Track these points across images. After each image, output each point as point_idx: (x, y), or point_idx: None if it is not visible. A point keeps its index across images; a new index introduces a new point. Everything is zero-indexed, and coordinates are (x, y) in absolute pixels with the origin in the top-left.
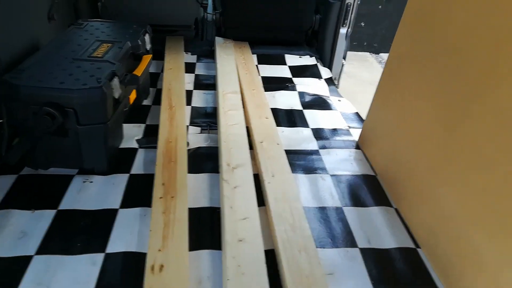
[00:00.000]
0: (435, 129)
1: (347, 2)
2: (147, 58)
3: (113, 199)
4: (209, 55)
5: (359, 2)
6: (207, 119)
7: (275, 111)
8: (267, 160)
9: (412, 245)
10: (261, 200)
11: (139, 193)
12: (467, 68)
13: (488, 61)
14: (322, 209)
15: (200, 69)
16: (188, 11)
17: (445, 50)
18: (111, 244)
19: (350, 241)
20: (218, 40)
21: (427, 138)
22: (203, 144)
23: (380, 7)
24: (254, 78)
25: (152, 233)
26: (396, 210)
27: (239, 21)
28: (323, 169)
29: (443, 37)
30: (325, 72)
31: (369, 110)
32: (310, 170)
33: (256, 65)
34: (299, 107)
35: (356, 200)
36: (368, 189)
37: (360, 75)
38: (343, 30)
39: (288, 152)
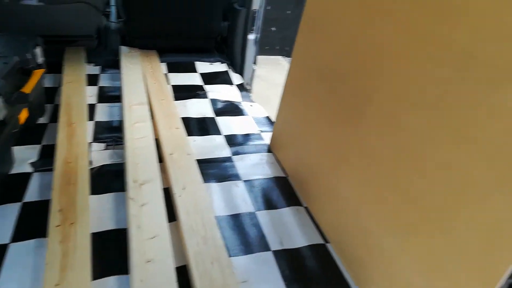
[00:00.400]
0: (333, 130)
1: (253, 9)
2: (38, 73)
3: (2, 234)
4: (114, 65)
5: (269, 7)
6: (112, 133)
7: (186, 120)
8: (178, 172)
9: (321, 241)
10: (173, 215)
11: (34, 223)
12: (355, 73)
13: (373, 65)
14: (236, 217)
15: (104, 81)
16: (89, 20)
17: (336, 55)
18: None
19: (263, 245)
20: (123, 49)
21: (327, 139)
22: (108, 161)
23: (289, 12)
24: (163, 87)
25: (48, 266)
26: (306, 208)
27: (144, 30)
28: (236, 176)
29: (334, 43)
30: (236, 78)
31: (277, 113)
32: (223, 178)
33: (166, 74)
34: (212, 115)
35: (269, 203)
36: (280, 191)
37: (273, 78)
38: (251, 36)
39: (201, 162)
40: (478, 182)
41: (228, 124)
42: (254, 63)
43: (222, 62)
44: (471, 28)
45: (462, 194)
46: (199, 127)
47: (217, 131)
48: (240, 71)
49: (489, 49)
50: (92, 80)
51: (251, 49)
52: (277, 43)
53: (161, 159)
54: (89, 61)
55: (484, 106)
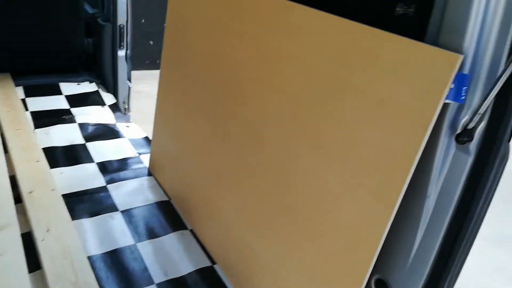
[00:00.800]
0: (208, 148)
1: (119, 24)
2: None
3: None
4: None
5: (143, 21)
6: None
7: (50, 151)
8: (40, 212)
9: (208, 263)
10: (37, 262)
11: None
12: (219, 90)
13: (234, 82)
14: (114, 253)
15: None
16: None
17: (201, 73)
18: None
19: (146, 280)
20: None
21: (203, 157)
22: None
23: (165, 25)
24: (20, 115)
25: None
26: (192, 231)
27: None
28: (113, 207)
29: (198, 60)
30: (108, 98)
31: (153, 133)
32: (96, 211)
33: (23, 99)
34: (81, 141)
35: (151, 232)
36: (163, 217)
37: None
38: (121, 53)
39: (69, 196)
40: (332, 187)
41: (101, 150)
42: (129, 80)
43: (91, 82)
44: (308, 44)
45: (321, 201)
46: (66, 156)
47: (88, 159)
48: (113, 90)
49: (324, 66)
50: None
51: (122, 66)
52: (157, 56)
53: (19, 199)
54: None
55: (326, 116)
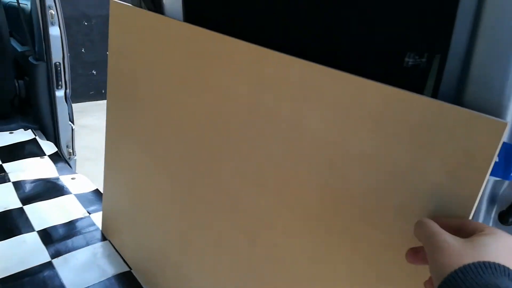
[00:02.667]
0: (172, 205)
1: (55, 62)
2: None
3: None
4: None
5: (83, 50)
6: None
7: None
8: None
9: None
10: None
11: None
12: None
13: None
14: None
15: None
16: None
17: (151, 121)
18: None
19: None
20: None
21: (167, 215)
22: None
23: (107, 53)
24: None
25: None
26: None
27: None
28: None
29: (152, 103)
30: (48, 147)
31: (104, 187)
32: None
33: None
34: (17, 205)
35: None
36: None
37: None
38: (59, 93)
39: (5, 282)
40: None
41: (42, 213)
42: (71, 121)
43: (26, 129)
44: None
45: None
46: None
47: (27, 227)
48: (54, 135)
49: (325, 131)
50: None
51: (62, 107)
52: (102, 86)
53: None
54: None
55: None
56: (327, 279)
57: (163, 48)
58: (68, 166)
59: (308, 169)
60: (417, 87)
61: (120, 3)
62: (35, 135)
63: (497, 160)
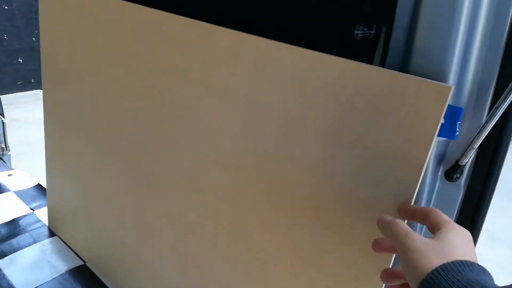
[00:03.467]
0: (125, 191)
1: None
2: None
3: None
4: None
5: (5, 36)
6: None
7: None
8: None
9: None
10: None
11: None
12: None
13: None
14: None
15: None
16: None
17: (93, 104)
18: None
19: None
20: None
21: (121, 202)
22: None
23: (34, 39)
24: None
25: None
26: None
27: None
28: None
29: (93, 85)
30: None
31: (47, 180)
32: None
33: None
34: None
35: None
36: (80, 287)
37: (39, 117)
38: None
39: None
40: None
41: None
42: (1, 114)
43: None
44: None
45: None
46: None
47: None
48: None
49: (280, 103)
50: None
51: None
52: (30, 75)
53: None
54: None
55: (287, 159)
56: (291, 248)
57: (103, 29)
58: (3, 162)
59: (268, 143)
60: (366, 58)
61: None
62: None
63: (443, 122)
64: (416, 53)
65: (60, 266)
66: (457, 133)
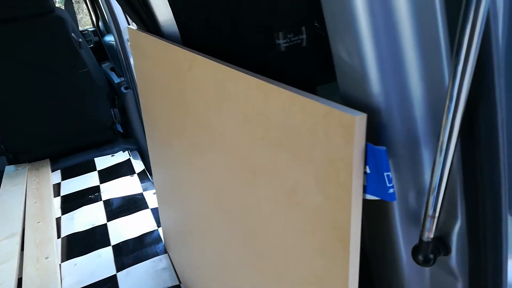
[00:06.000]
0: (210, 222)
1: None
2: None
3: None
4: None
5: None
6: None
7: (69, 240)
8: None
9: None
10: None
11: None
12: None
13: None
14: None
15: None
16: None
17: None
18: None
19: None
20: (8, 170)
21: (205, 233)
22: None
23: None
24: (45, 206)
25: None
26: None
27: (26, 142)
28: None
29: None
30: (138, 166)
31: (158, 203)
32: None
33: (59, 183)
34: (103, 221)
35: None
36: None
37: None
38: None
39: None
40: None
41: (120, 229)
42: None
43: (124, 151)
44: None
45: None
46: (85, 243)
47: (105, 243)
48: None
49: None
50: None
51: None
52: None
53: None
54: None
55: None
56: None
57: (159, 69)
58: (152, 183)
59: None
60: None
61: (133, 28)
62: (130, 156)
63: (368, 171)
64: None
65: (160, 283)
66: (392, 190)
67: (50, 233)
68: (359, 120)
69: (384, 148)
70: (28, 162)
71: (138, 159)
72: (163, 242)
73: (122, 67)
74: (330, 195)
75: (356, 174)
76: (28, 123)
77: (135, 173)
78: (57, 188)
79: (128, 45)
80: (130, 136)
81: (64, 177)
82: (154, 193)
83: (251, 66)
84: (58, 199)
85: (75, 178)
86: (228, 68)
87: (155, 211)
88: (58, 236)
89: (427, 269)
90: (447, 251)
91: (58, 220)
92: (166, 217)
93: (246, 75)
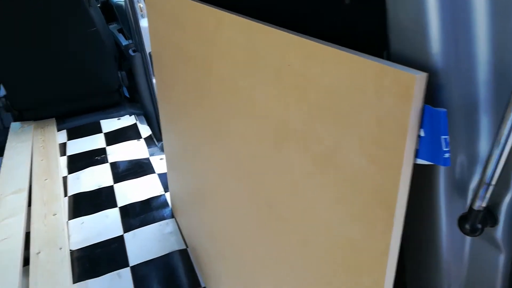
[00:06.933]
0: (221, 187)
1: (148, 52)
2: None
3: None
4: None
5: None
6: None
7: (75, 199)
8: (40, 278)
9: None
10: None
11: None
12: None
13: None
14: None
15: None
16: None
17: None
18: None
19: None
20: (14, 126)
21: (215, 198)
22: None
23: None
24: (51, 164)
25: None
26: None
27: (32, 99)
28: (123, 262)
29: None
30: (144, 130)
31: (167, 168)
32: (104, 269)
33: (65, 143)
34: (110, 183)
35: None
36: (175, 272)
37: None
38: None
39: (81, 251)
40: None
41: (127, 191)
42: None
43: (131, 115)
44: None
45: None
46: (91, 203)
47: (112, 204)
48: (157, 119)
49: None
50: None
51: None
52: None
53: (28, 260)
54: None
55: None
56: None
57: (177, 27)
58: (158, 149)
59: None
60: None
61: None
62: (136, 120)
63: (423, 134)
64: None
65: (165, 247)
66: (447, 154)
67: (57, 191)
68: (419, 79)
69: (445, 110)
70: (34, 120)
71: (144, 124)
72: (170, 207)
73: (131, 29)
74: (376, 158)
75: (410, 136)
76: (35, 80)
77: (141, 137)
78: (62, 147)
79: (137, 6)
80: (136, 100)
81: (70, 137)
82: (161, 159)
83: (291, 23)
84: (64, 158)
85: (81, 139)
86: (262, 25)
87: (161, 176)
88: (65, 195)
89: (467, 241)
90: (495, 222)
91: (64, 179)
92: (174, 182)
93: (284, 32)
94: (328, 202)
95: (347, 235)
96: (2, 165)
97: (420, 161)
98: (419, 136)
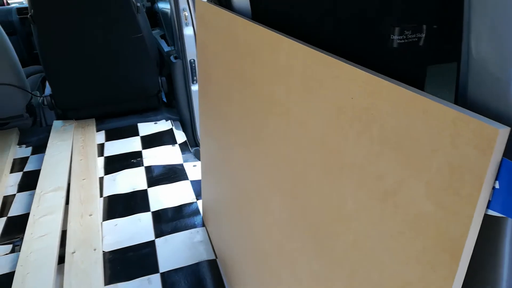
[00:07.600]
0: (248, 201)
1: (189, 59)
2: None
3: None
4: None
5: None
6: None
7: (111, 200)
8: (74, 279)
9: None
10: None
11: None
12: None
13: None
14: None
15: (32, 164)
16: (16, 100)
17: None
18: None
19: None
20: (56, 124)
21: (243, 212)
22: (6, 270)
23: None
24: (90, 164)
25: None
26: None
27: (75, 100)
28: (154, 267)
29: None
30: (180, 136)
31: (202, 177)
32: (135, 273)
33: (103, 144)
34: (144, 187)
35: None
36: (204, 281)
37: None
38: (195, 87)
39: (112, 254)
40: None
41: (160, 196)
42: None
43: (167, 120)
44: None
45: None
46: (125, 205)
47: (145, 208)
48: (191, 125)
49: None
50: (19, 165)
51: (197, 101)
52: None
53: (63, 258)
54: (22, 143)
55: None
56: None
57: (229, 44)
58: (192, 155)
59: None
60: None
61: (202, 0)
62: (172, 126)
63: (497, 186)
64: (475, 73)
65: (196, 255)
66: None
67: (94, 192)
68: (503, 133)
69: None
70: (75, 120)
71: (180, 130)
72: (201, 215)
73: (174, 36)
74: (445, 205)
75: (485, 187)
76: (79, 82)
77: (176, 143)
78: (100, 148)
79: (183, 15)
80: (173, 106)
81: (108, 138)
82: (194, 166)
83: (345, 56)
84: (102, 159)
85: (118, 141)
86: (327, 56)
87: (194, 184)
88: (100, 195)
89: None
90: None
91: (100, 180)
92: (208, 190)
93: (350, 66)
94: (383, 238)
95: (401, 275)
96: (44, 162)
97: (491, 212)
98: (493, 187)
